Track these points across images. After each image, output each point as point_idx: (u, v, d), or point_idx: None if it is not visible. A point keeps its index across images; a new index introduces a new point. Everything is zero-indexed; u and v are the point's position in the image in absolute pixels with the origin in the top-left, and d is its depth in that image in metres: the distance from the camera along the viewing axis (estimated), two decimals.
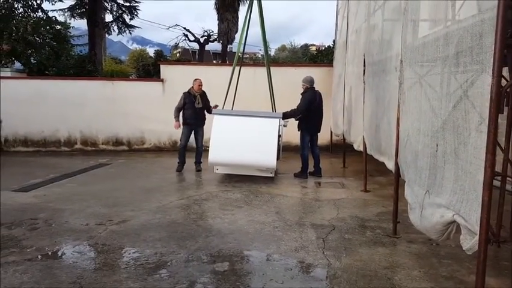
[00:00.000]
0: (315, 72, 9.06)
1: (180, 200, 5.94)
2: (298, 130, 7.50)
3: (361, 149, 6.19)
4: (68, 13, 18.65)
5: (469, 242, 2.63)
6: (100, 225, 4.72)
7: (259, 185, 6.80)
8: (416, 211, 3.55)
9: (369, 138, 5.81)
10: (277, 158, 7.27)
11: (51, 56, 14.45)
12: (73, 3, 18.73)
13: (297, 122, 7.45)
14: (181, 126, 7.57)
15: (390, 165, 4.51)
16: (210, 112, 7.60)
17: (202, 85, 7.59)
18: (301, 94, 7.41)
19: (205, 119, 7.68)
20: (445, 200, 2.96)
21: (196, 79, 7.60)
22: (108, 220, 4.91)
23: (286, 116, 7.31)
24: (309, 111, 7.21)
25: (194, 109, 7.47)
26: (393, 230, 4.38)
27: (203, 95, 7.67)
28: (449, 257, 3.79)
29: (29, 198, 5.96)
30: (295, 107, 7.32)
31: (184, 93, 7.57)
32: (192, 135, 7.71)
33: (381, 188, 6.59)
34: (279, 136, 7.21)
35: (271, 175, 7.06)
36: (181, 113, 7.61)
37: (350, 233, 4.50)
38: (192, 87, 7.58)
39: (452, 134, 2.82)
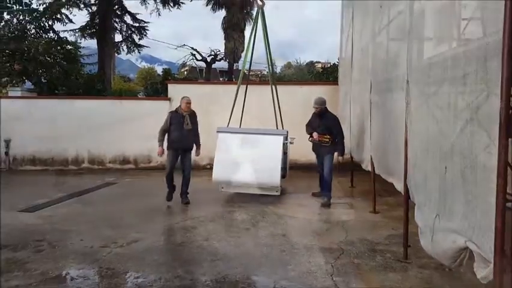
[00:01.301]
0: (321, 91, 9.06)
1: (185, 221, 5.88)
2: (328, 154, 6.88)
3: (369, 168, 6.11)
4: (79, 33, 19.06)
5: (483, 271, 2.52)
6: (105, 248, 4.67)
7: (265, 205, 6.72)
8: (427, 235, 3.45)
9: (376, 157, 5.73)
10: (283, 176, 7.21)
11: (61, 75, 14.69)
12: (83, 24, 19.17)
13: (327, 145, 6.83)
14: (166, 152, 6.64)
15: (399, 186, 4.42)
16: (197, 145, 6.88)
17: (190, 103, 6.74)
18: (316, 115, 7.02)
19: (193, 142, 6.75)
20: (456, 224, 2.87)
21: (183, 97, 6.73)
22: (113, 242, 4.86)
23: (343, 149, 6.91)
24: None
25: (181, 131, 6.54)
26: (404, 254, 4.25)
27: (192, 115, 6.78)
28: (463, 284, 3.65)
29: (35, 219, 5.96)
30: (338, 135, 6.90)
31: (171, 113, 6.74)
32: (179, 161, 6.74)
33: (390, 209, 6.45)
34: (285, 154, 7.16)
35: (276, 193, 6.98)
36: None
37: (359, 257, 4.38)
38: (180, 106, 6.72)
39: (460, 156, 2.75)
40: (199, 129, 6.97)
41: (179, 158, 6.71)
